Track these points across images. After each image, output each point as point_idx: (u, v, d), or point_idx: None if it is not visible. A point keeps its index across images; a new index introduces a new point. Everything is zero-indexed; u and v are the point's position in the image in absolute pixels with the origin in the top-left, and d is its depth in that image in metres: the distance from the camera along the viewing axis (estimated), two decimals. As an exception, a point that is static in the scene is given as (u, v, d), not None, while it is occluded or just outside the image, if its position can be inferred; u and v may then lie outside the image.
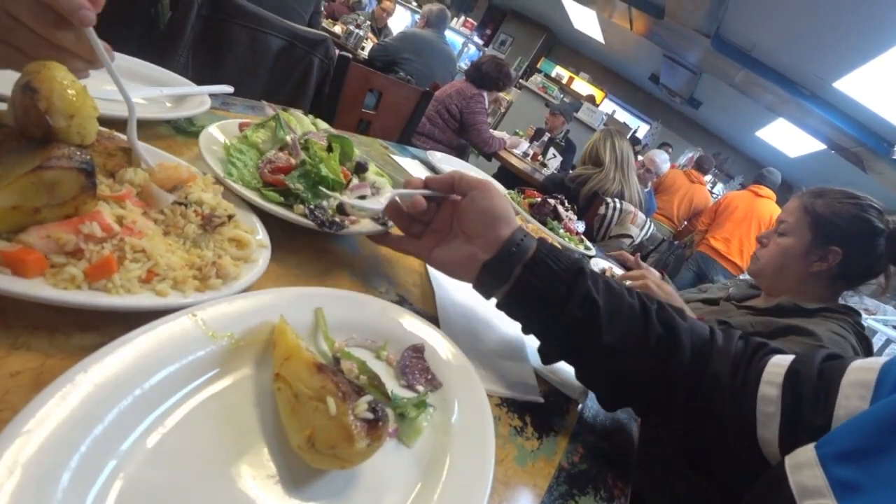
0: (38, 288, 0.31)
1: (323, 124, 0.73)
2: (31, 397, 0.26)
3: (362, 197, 0.65)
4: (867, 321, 3.63)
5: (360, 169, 0.68)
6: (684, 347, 0.52)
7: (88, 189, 0.35)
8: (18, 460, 0.23)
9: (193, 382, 0.32)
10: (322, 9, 2.32)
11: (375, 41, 3.92)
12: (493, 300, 0.56)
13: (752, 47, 4.11)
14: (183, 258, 0.40)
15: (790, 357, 0.51)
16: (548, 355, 0.56)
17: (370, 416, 0.31)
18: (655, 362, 0.52)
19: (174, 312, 0.34)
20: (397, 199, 0.59)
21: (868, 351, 0.98)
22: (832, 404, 0.44)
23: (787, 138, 5.49)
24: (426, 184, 0.58)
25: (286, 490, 0.30)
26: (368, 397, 0.32)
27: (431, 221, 0.60)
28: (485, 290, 0.55)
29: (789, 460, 0.38)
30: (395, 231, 0.63)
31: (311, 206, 0.58)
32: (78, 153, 0.35)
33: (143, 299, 0.35)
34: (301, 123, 0.68)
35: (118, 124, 0.51)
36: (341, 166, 0.65)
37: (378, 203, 0.57)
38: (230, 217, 0.46)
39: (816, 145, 4.94)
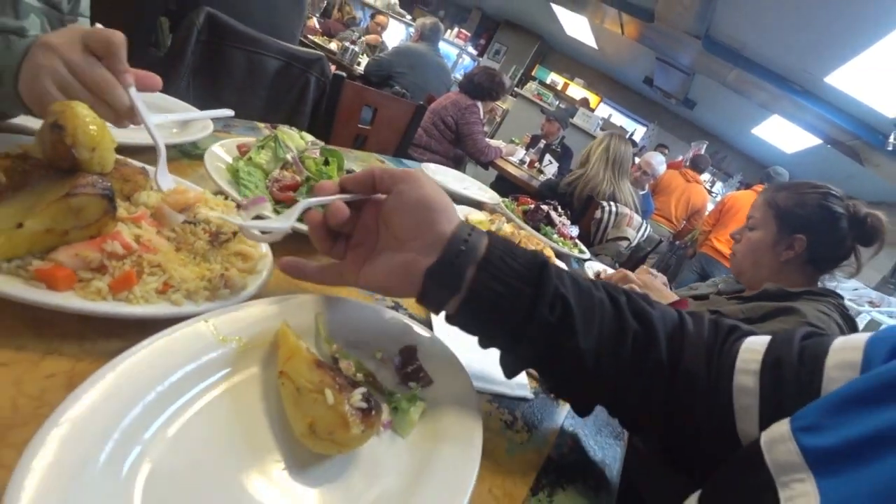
0: (69, 300, 0.36)
1: (309, 137, 0.78)
2: (65, 395, 0.30)
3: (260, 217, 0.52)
4: (871, 314, 3.65)
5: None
6: (660, 340, 0.47)
7: (110, 212, 0.40)
8: (64, 443, 0.27)
9: (207, 380, 0.36)
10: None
11: (371, 55, 3.99)
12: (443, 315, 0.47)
13: (742, 46, 4.17)
14: (194, 271, 0.44)
15: (765, 339, 0.47)
16: (513, 368, 0.49)
17: (364, 405, 0.35)
18: (633, 361, 0.47)
19: (188, 319, 0.38)
20: (313, 209, 0.48)
21: (853, 330, 1.02)
22: (817, 389, 0.41)
23: (783, 135, 5.52)
24: (342, 186, 0.47)
25: (291, 473, 0.34)
26: (363, 389, 0.36)
27: (352, 234, 0.49)
28: (432, 302, 0.46)
29: (764, 437, 0.36)
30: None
31: None
32: (100, 181, 0.40)
33: (160, 308, 0.39)
34: (292, 139, 0.73)
35: (131, 150, 0.57)
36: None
37: (285, 221, 0.45)
38: (235, 233, 0.50)
39: (812, 140, 4.98)
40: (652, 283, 1.15)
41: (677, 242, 4.29)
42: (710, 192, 7.15)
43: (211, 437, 0.34)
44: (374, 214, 0.48)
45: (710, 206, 4.42)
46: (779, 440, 0.35)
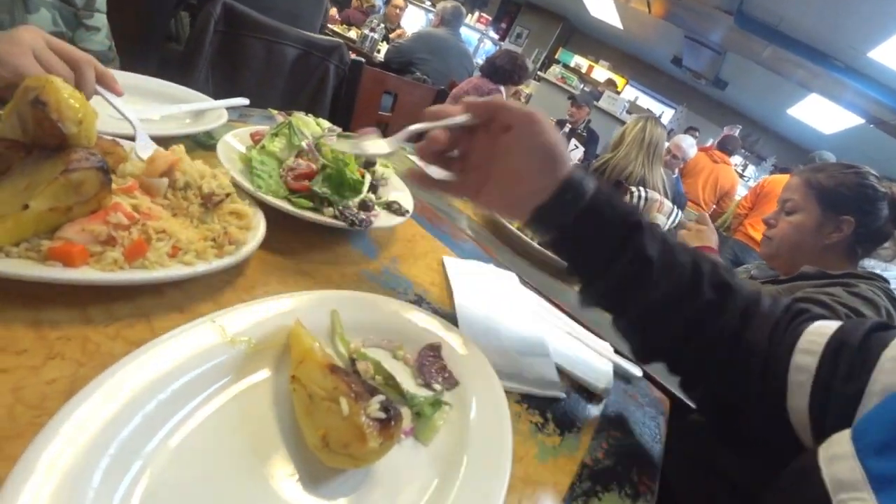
0: (89, 274, 0.36)
1: (326, 123, 0.75)
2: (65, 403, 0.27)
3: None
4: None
5: (369, 164, 0.70)
6: (731, 310, 0.50)
7: (106, 185, 0.39)
8: (55, 462, 0.24)
9: (214, 386, 0.34)
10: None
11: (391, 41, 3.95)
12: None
13: (778, 21, 3.95)
14: (196, 233, 0.45)
15: (835, 324, 0.47)
16: (586, 301, 0.55)
17: (382, 415, 0.32)
18: (700, 322, 0.50)
19: (195, 321, 0.36)
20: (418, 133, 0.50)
21: None
22: (867, 375, 0.41)
23: (822, 115, 5.26)
24: (467, 108, 0.49)
25: (304, 488, 0.31)
26: (381, 397, 0.33)
27: (467, 156, 0.52)
28: (533, 231, 0.57)
29: (823, 451, 0.35)
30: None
31: (340, 208, 0.60)
32: (92, 155, 0.38)
33: (176, 270, 0.40)
34: (308, 126, 0.70)
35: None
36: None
37: (393, 144, 0.50)
38: (228, 195, 0.50)
39: (853, 120, 4.72)
40: (703, 224, 1.13)
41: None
42: (741, 175, 6.90)
43: (218, 449, 0.31)
44: (489, 142, 0.50)
45: (740, 190, 4.22)
46: (840, 457, 0.33)
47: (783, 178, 3.63)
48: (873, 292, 0.95)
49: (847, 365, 0.42)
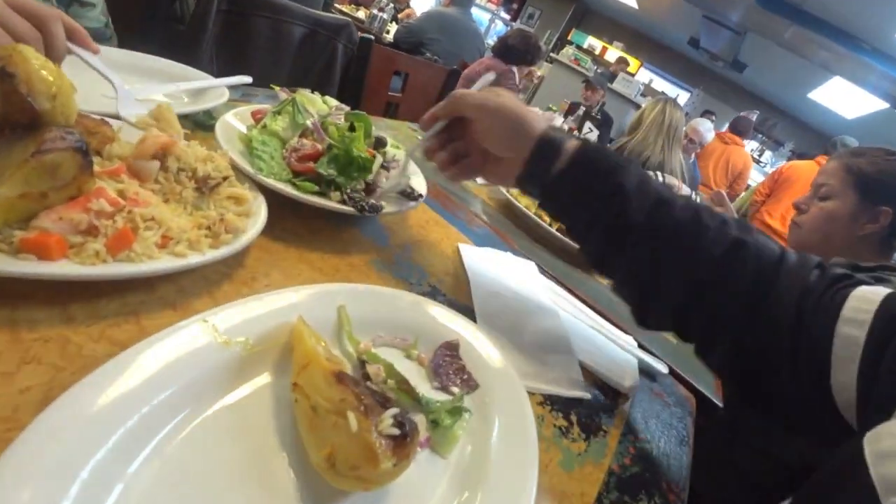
0: (67, 268, 0.32)
1: (333, 101, 0.70)
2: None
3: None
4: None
5: (379, 144, 0.65)
6: (747, 268, 0.46)
7: (86, 168, 0.35)
8: (17, 494, 0.21)
9: (206, 395, 0.30)
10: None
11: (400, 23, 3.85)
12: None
13: (802, 0, 3.80)
14: (190, 220, 0.41)
15: (883, 291, 0.42)
16: (589, 259, 0.55)
17: (396, 431, 0.28)
18: (708, 282, 0.47)
19: (183, 321, 0.32)
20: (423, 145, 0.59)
21: None
22: None
23: (844, 98, 5.07)
24: (433, 116, 0.57)
25: (308, 511, 0.28)
26: (394, 410, 0.29)
27: (466, 144, 0.58)
28: (525, 193, 0.57)
29: (870, 445, 0.31)
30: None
31: (348, 192, 0.56)
32: (69, 134, 0.34)
33: (165, 263, 0.36)
34: (314, 104, 0.65)
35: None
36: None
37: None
38: (225, 178, 0.46)
39: (878, 104, 4.55)
40: (720, 204, 1.06)
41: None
42: (757, 161, 6.73)
43: (210, 468, 0.27)
44: (470, 131, 0.56)
45: (755, 175, 4.08)
46: (891, 454, 0.29)
47: (802, 165, 3.48)
48: None
49: None
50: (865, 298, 0.41)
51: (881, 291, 0.42)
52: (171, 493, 0.25)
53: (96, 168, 0.38)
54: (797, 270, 0.46)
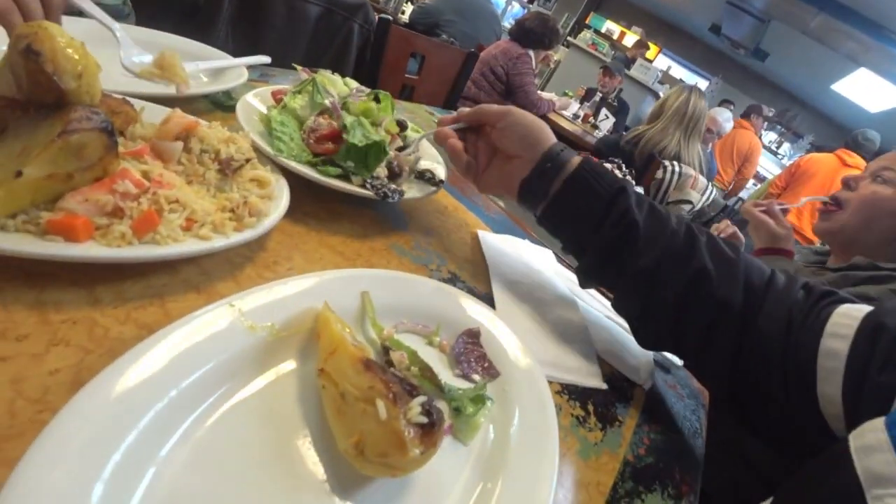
0: (94, 250, 0.32)
1: (353, 83, 0.70)
2: (70, 397, 0.24)
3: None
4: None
5: (401, 127, 0.64)
6: (732, 283, 0.48)
7: (112, 148, 0.35)
8: (50, 474, 0.21)
9: (233, 380, 0.30)
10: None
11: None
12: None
13: (831, -13, 3.69)
14: (213, 203, 0.41)
15: (865, 308, 0.44)
16: (584, 276, 0.56)
17: (424, 419, 0.27)
18: (697, 295, 0.48)
19: (210, 305, 0.32)
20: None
21: None
22: None
23: (869, 91, 4.94)
24: (458, 118, 0.59)
25: (336, 494, 0.28)
26: (422, 398, 0.29)
27: (476, 151, 0.60)
28: (526, 206, 0.56)
29: (855, 441, 0.32)
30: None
31: (368, 178, 0.56)
32: (94, 114, 0.34)
33: (191, 245, 0.36)
34: (334, 85, 0.64)
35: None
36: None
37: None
38: (248, 160, 0.46)
39: (904, 97, 4.44)
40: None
41: (728, 203, 3.67)
42: (775, 153, 6.60)
43: (238, 452, 0.27)
44: (486, 139, 0.59)
45: (770, 165, 3.93)
46: (874, 448, 0.30)
47: (822, 158, 3.35)
48: None
49: (884, 352, 0.40)
50: (848, 315, 0.44)
51: (864, 308, 0.44)
52: (201, 476, 0.25)
53: (120, 149, 0.38)
54: (785, 289, 0.49)
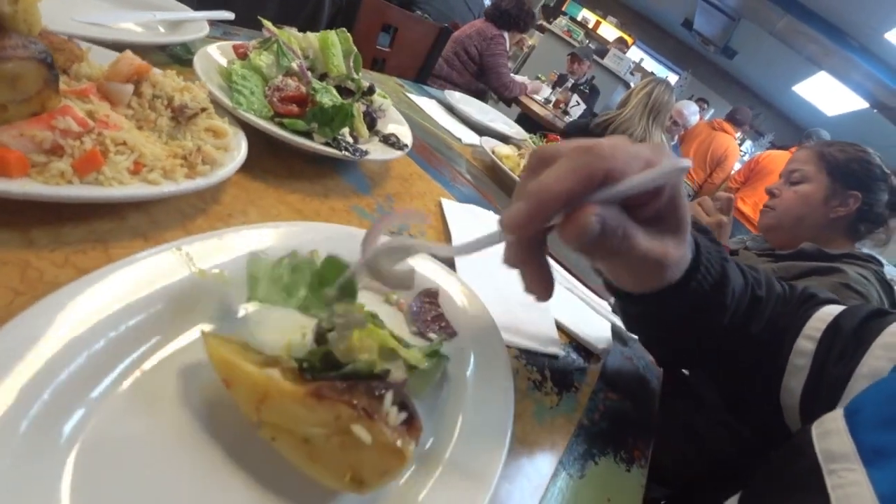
0: (29, 186, 0.30)
1: (313, 36, 0.67)
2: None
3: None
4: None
5: (369, 91, 0.63)
6: (761, 321, 0.48)
7: (51, 82, 0.32)
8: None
9: (177, 324, 0.29)
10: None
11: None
12: None
13: (799, -9, 3.80)
14: (165, 150, 0.38)
15: (837, 309, 0.47)
16: (632, 323, 0.50)
17: (404, 415, 0.25)
18: (736, 339, 0.48)
19: (154, 248, 0.30)
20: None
21: (892, 299, 1.00)
22: (857, 360, 0.42)
23: (827, 94, 5.15)
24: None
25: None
26: (389, 395, 0.26)
27: None
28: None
29: (816, 428, 0.36)
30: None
31: (332, 137, 0.55)
32: (32, 43, 0.31)
33: (137, 189, 0.34)
34: (301, 43, 0.62)
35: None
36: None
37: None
38: (203, 109, 0.44)
39: (858, 103, 4.64)
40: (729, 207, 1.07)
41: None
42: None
43: (179, 398, 0.26)
44: None
45: (736, 165, 4.04)
46: (832, 432, 0.34)
47: (779, 154, 3.50)
48: (864, 278, 0.95)
49: (840, 349, 0.44)
50: (821, 318, 0.47)
51: (836, 310, 0.47)
52: (136, 421, 0.24)
53: (63, 87, 0.36)
54: (781, 294, 0.51)
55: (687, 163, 0.27)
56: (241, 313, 0.33)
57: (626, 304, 0.45)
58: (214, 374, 0.26)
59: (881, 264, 1.02)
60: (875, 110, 4.39)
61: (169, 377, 0.27)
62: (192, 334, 0.29)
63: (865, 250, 1.06)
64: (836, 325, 0.46)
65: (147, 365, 0.26)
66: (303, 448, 0.25)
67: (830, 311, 0.47)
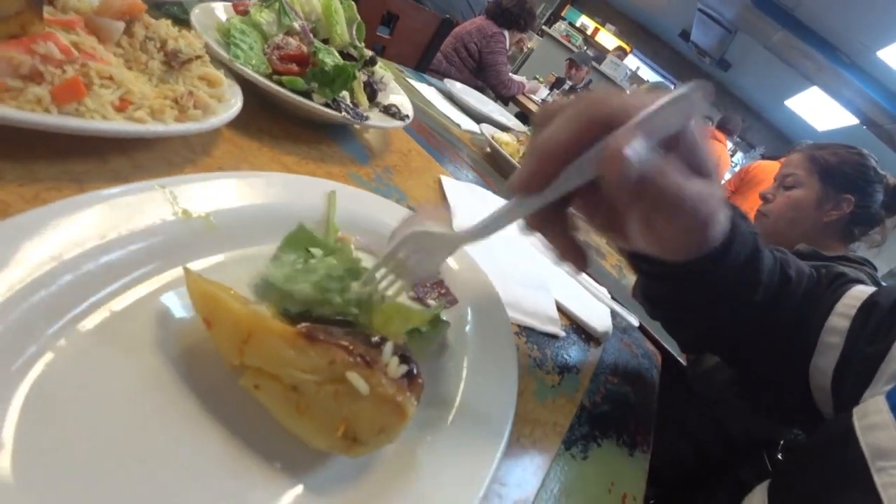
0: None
1: (317, 0, 0.65)
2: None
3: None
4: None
5: (371, 62, 0.61)
6: (791, 303, 0.46)
7: (34, 4, 0.29)
8: None
9: (153, 264, 0.26)
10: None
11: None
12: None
13: (795, 6, 3.83)
14: (155, 91, 0.35)
15: (871, 289, 0.46)
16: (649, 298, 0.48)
17: (405, 368, 0.23)
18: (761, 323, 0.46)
19: (136, 183, 0.27)
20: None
21: None
22: (894, 337, 0.40)
23: (818, 110, 5.21)
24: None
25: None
26: (390, 345, 0.24)
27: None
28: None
29: (860, 421, 0.34)
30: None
31: (332, 98, 0.52)
32: None
33: (121, 125, 0.31)
34: (302, 5, 0.59)
35: None
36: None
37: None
38: (198, 56, 0.41)
39: (848, 119, 4.70)
40: None
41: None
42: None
43: (152, 343, 0.23)
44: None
45: (728, 175, 4.09)
46: (879, 426, 0.33)
47: (770, 164, 3.54)
48: (860, 276, 0.94)
49: (874, 326, 0.42)
50: (855, 296, 0.46)
51: (870, 290, 0.46)
52: (97, 365, 0.21)
53: (47, 16, 0.33)
54: (804, 273, 0.49)
55: (706, 84, 0.24)
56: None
57: (656, 283, 0.44)
58: (193, 320, 0.23)
59: (875, 268, 1.01)
60: (864, 127, 4.45)
61: (142, 320, 0.24)
62: (170, 276, 0.26)
63: (860, 253, 1.07)
64: (871, 302, 0.44)
65: (117, 305, 0.24)
66: (290, 398, 0.22)
67: (864, 290, 0.46)
